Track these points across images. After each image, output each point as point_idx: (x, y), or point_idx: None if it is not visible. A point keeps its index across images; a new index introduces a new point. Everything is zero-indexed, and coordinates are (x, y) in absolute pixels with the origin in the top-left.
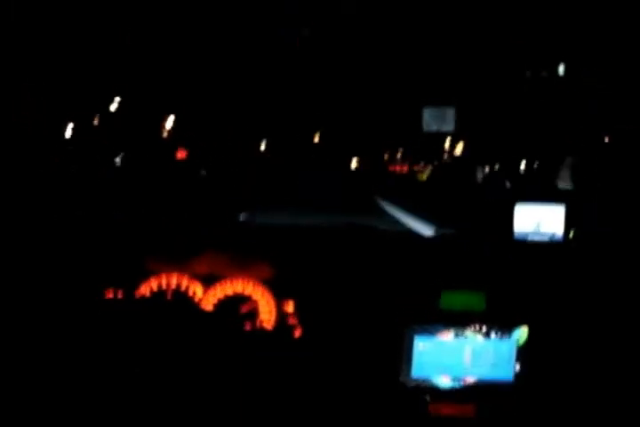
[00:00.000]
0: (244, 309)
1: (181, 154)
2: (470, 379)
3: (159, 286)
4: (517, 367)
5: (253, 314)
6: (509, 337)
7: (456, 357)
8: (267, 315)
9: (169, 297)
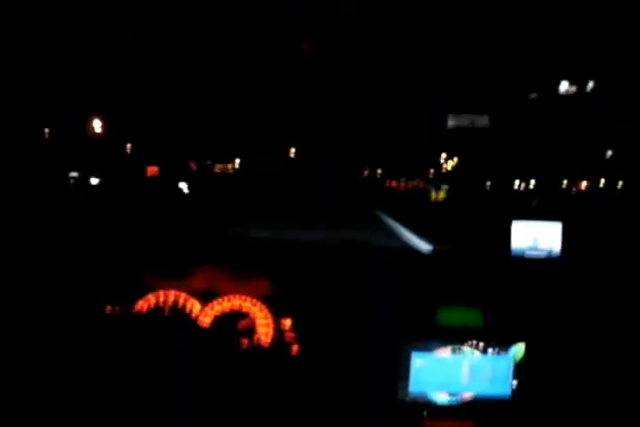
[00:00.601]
0: (242, 325)
1: (152, 171)
2: (468, 395)
3: (157, 303)
4: (514, 383)
5: (251, 330)
6: (506, 353)
7: (453, 373)
8: (264, 331)
9: (167, 313)
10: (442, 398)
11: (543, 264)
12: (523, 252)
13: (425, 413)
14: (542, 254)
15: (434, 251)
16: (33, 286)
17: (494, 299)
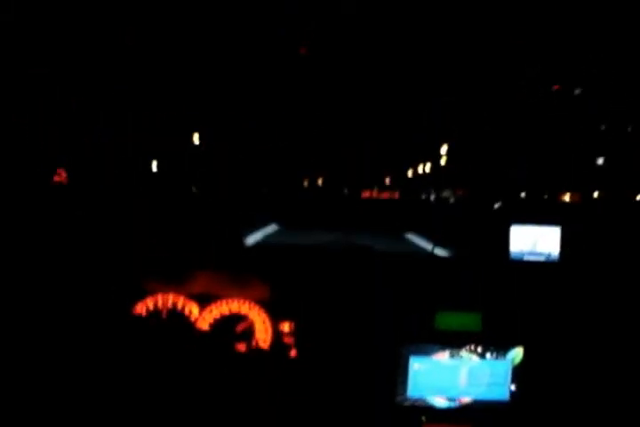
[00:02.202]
0: (240, 328)
1: (60, 176)
2: (466, 399)
3: (155, 306)
4: (513, 387)
5: (249, 334)
6: (505, 357)
7: (452, 377)
8: (262, 335)
9: (165, 316)
10: (440, 402)
11: (542, 268)
12: (522, 255)
13: (423, 417)
14: (541, 258)
15: (433, 255)
16: (29, 289)
17: (493, 303)
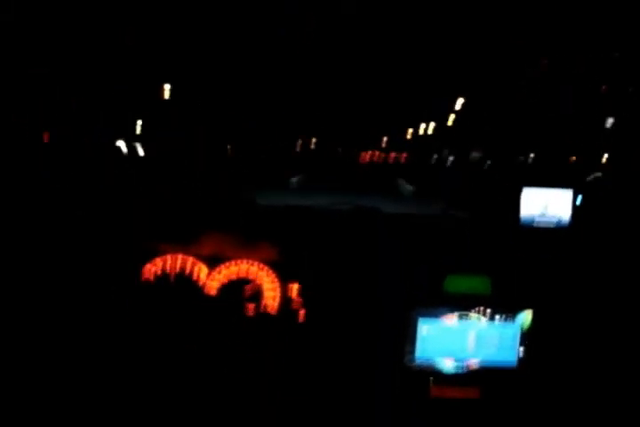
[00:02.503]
0: (249, 290)
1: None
2: (474, 362)
3: (164, 267)
4: (521, 351)
5: (258, 295)
6: (513, 321)
7: (460, 340)
8: (271, 296)
9: (174, 277)
10: (448, 364)
11: (552, 232)
12: (532, 219)
13: (431, 379)
14: (552, 222)
15: (443, 217)
16: (38, 254)
17: (503, 266)
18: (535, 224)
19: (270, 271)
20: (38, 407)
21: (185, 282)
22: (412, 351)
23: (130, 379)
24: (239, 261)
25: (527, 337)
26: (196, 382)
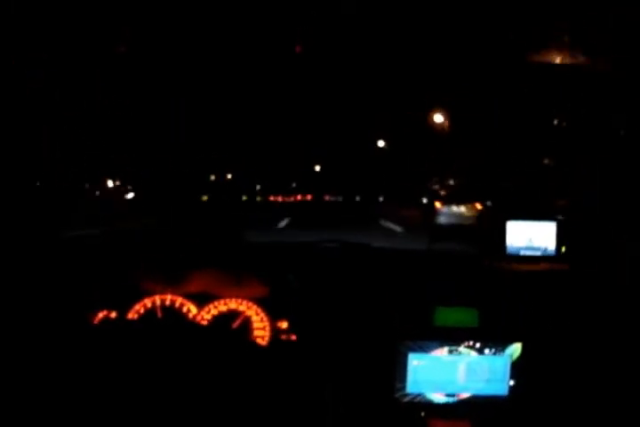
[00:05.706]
0: (238, 327)
1: None
2: (465, 395)
3: (153, 307)
4: (512, 383)
5: (247, 332)
6: (503, 353)
7: (450, 373)
8: (260, 334)
9: (163, 317)
10: (439, 398)
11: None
12: (518, 251)
13: (422, 413)
14: (537, 253)
15: (429, 251)
16: (21, 290)
17: (489, 299)
18: (521, 254)
19: (259, 308)
20: None
21: (174, 321)
22: (403, 386)
23: (120, 415)
24: (228, 300)
25: (517, 369)
26: (187, 417)
